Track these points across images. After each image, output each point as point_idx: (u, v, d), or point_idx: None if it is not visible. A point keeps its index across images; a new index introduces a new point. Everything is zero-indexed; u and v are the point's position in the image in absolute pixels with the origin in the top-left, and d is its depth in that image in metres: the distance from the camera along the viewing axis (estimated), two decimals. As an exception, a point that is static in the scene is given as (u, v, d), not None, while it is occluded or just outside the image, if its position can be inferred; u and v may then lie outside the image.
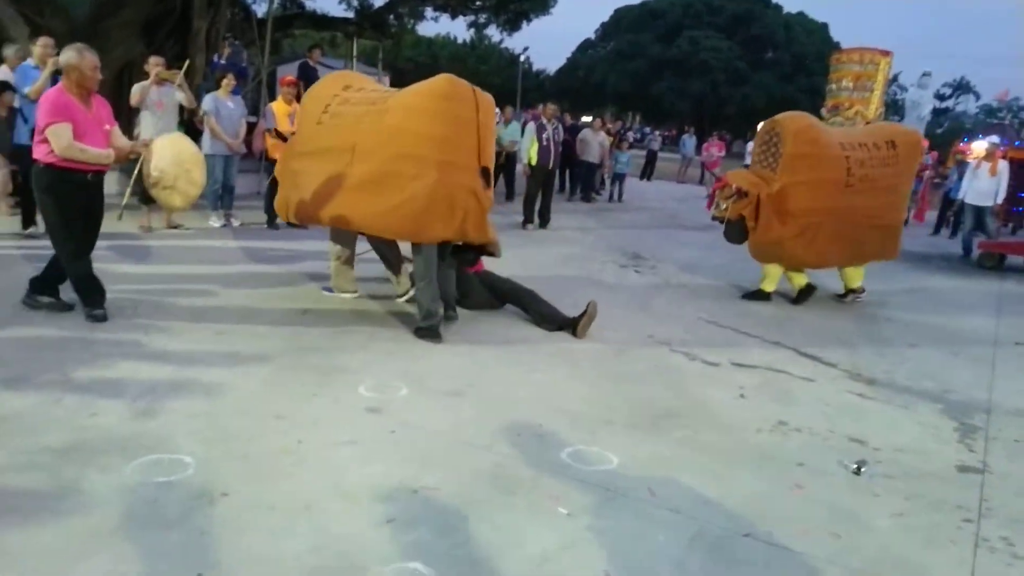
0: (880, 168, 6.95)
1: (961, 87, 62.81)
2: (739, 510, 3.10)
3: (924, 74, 19.56)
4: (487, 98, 5.24)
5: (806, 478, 3.48)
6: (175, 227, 8.14)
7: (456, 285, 5.87)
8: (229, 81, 8.55)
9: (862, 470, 3.59)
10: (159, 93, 7.77)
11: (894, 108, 33.60)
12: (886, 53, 11.52)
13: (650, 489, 3.20)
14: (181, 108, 8.23)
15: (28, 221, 7.09)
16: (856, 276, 7.48)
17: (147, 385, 3.81)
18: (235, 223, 8.67)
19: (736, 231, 6.96)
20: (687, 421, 4.06)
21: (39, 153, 4.56)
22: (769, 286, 7.19)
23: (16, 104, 7.40)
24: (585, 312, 5.48)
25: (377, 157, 5.08)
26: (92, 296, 4.86)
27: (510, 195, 13.43)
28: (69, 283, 4.89)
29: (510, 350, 5.04)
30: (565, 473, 3.30)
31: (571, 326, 5.48)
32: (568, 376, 4.62)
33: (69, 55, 4.54)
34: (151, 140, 5.21)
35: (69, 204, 4.65)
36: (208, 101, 8.40)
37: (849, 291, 7.49)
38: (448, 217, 5.07)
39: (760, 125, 7.11)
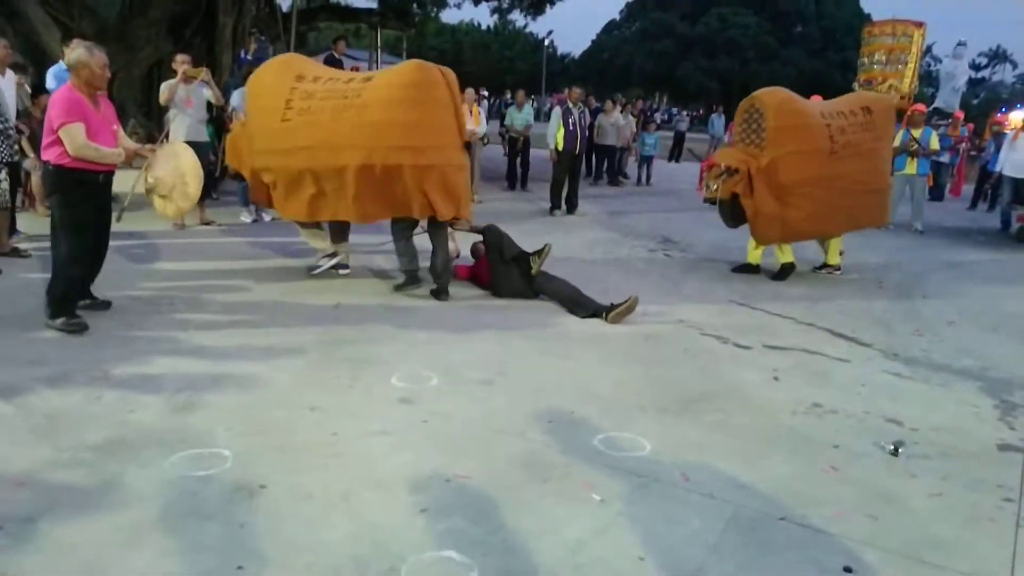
0: (861, 133, 7.03)
1: (997, 56, 61.14)
2: (774, 493, 3.08)
3: (959, 44, 19.03)
4: (452, 75, 5.71)
5: (841, 460, 3.44)
6: (208, 223, 8.26)
7: (493, 274, 5.92)
8: None
9: (899, 450, 3.55)
10: (187, 91, 7.85)
11: (928, 79, 32.79)
12: (919, 24, 11.24)
13: (683, 474, 3.20)
14: (210, 105, 8.32)
15: None
16: (834, 251, 7.59)
17: (184, 380, 3.89)
18: (266, 218, 8.76)
19: (729, 212, 6.97)
20: (720, 405, 4.04)
21: (50, 155, 4.45)
22: (786, 256, 7.22)
23: None
24: (625, 302, 5.46)
25: (373, 152, 5.40)
26: (70, 304, 4.65)
27: (524, 182, 13.28)
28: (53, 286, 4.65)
29: (541, 337, 5.05)
30: (598, 459, 3.30)
31: (605, 312, 5.47)
32: (600, 362, 4.62)
33: (79, 53, 4.46)
34: (158, 146, 5.23)
35: (82, 206, 4.57)
36: (236, 97, 8.48)
37: (826, 265, 7.61)
38: (447, 196, 5.61)
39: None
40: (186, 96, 7.84)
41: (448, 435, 3.47)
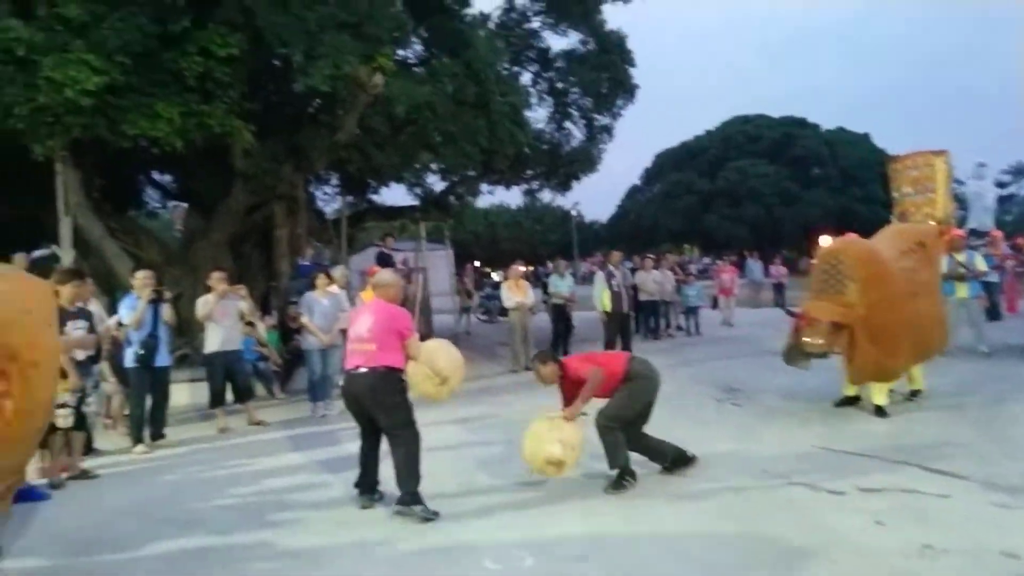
0: (926, 269, 7.39)
1: (1020, 171, 61.63)
2: (909, 647, 2.92)
3: (979, 165, 19.52)
4: None
5: (972, 603, 3.27)
6: (258, 423, 8.51)
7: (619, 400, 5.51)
8: (322, 281, 9.16)
9: (1030, 587, 3.36)
10: (224, 304, 8.37)
11: (956, 202, 33.16)
12: (939, 153, 11.62)
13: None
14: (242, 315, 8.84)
15: (140, 437, 7.49)
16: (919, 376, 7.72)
17: (286, 585, 3.90)
18: (333, 411, 8.87)
19: (799, 355, 7.11)
20: (828, 556, 3.89)
21: (395, 360, 5.03)
22: (852, 389, 7.43)
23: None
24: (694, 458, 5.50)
25: None
26: (417, 482, 4.98)
27: (567, 345, 13.35)
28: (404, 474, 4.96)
29: (626, 504, 4.97)
30: (715, 628, 3.18)
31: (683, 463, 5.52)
32: (692, 523, 4.53)
33: (387, 275, 5.58)
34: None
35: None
36: (302, 302, 9.02)
37: (916, 392, 7.69)
38: None
39: (817, 254, 7.49)
40: (222, 309, 8.36)
41: (556, 617, 3.39)
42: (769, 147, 48.68)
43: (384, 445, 5.23)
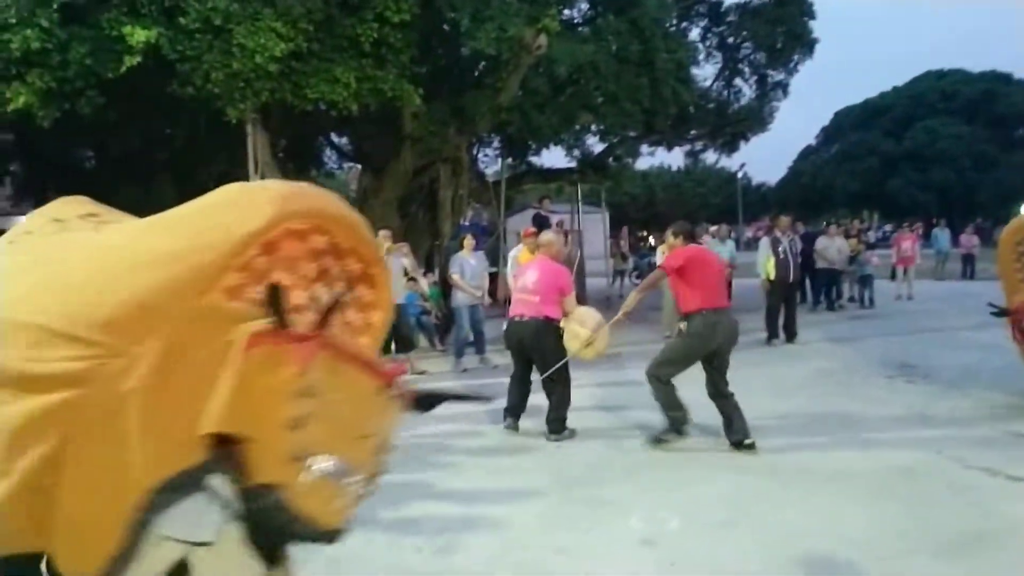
0: None
1: None
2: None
3: None
4: None
5: None
6: (420, 373, 8.97)
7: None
8: (469, 242, 9.56)
9: None
10: (387, 261, 8.83)
11: None
12: None
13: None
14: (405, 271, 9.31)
15: None
16: None
17: (441, 523, 4.16)
18: (488, 365, 9.23)
19: None
20: (1006, 544, 3.62)
21: (554, 312, 5.79)
22: None
23: None
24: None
25: None
26: (565, 410, 5.94)
27: None
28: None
29: (779, 474, 4.84)
30: (868, 606, 3.07)
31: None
32: (849, 499, 4.34)
33: (550, 236, 6.56)
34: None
35: None
36: (453, 262, 9.46)
37: None
38: None
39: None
40: (387, 266, 8.81)
41: (700, 578, 3.40)
42: (965, 105, 44.02)
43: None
